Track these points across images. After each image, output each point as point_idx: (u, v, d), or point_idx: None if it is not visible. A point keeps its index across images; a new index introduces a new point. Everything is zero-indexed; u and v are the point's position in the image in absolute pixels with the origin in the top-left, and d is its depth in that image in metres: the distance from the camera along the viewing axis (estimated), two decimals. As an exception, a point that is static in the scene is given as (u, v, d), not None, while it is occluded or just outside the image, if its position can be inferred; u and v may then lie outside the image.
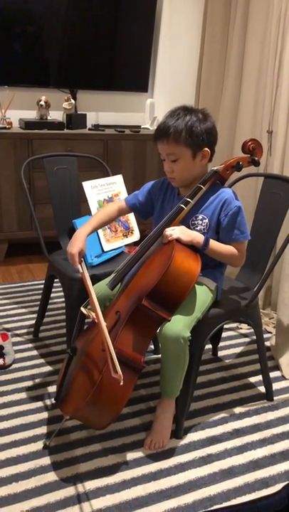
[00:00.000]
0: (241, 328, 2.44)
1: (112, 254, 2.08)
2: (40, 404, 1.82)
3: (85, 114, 3.40)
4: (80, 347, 1.60)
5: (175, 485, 1.49)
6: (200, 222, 1.59)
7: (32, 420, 1.73)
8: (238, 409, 1.83)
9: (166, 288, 1.44)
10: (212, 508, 1.41)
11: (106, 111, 3.60)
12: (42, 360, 2.10)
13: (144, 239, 1.63)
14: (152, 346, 2.18)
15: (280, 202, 1.78)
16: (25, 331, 2.34)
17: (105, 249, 2.07)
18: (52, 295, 2.28)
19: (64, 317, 2.36)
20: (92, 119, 3.51)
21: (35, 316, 2.33)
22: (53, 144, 3.06)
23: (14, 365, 2.05)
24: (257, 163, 1.68)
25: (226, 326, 2.28)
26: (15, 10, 3.09)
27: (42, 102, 3.18)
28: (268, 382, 1.89)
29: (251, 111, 2.62)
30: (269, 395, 1.90)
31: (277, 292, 2.34)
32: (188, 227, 1.58)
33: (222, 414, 1.80)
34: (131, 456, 1.59)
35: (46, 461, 1.55)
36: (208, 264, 1.60)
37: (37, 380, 1.96)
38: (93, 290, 1.50)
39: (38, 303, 2.33)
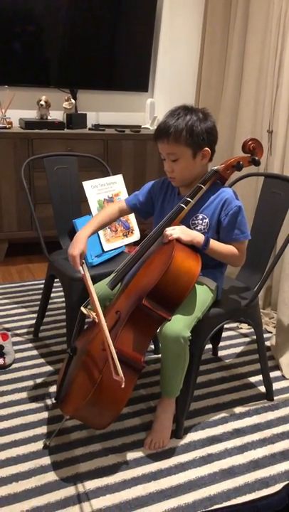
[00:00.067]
0: (241, 328, 2.44)
1: (112, 254, 2.08)
2: (40, 404, 1.82)
3: (85, 114, 3.40)
4: (80, 347, 1.60)
5: (175, 485, 1.48)
6: (200, 221, 1.59)
7: (32, 420, 1.73)
8: (238, 409, 1.83)
9: (167, 288, 1.44)
10: (212, 508, 1.41)
11: (106, 111, 3.60)
12: (42, 360, 2.10)
13: (145, 239, 1.63)
14: (152, 346, 2.18)
15: (281, 202, 1.78)
16: (25, 330, 2.34)
17: (105, 249, 2.07)
18: (52, 295, 2.28)
19: (64, 317, 2.36)
20: (92, 118, 3.51)
21: (35, 315, 2.33)
22: (53, 144, 3.06)
23: (14, 365, 2.05)
24: (257, 163, 1.68)
25: (226, 326, 2.28)
26: (15, 10, 3.09)
27: (42, 102, 3.18)
28: (268, 382, 1.89)
29: (251, 110, 2.62)
30: (269, 395, 1.90)
31: (278, 292, 2.34)
32: (189, 227, 1.58)
33: (222, 414, 1.80)
34: (131, 455, 1.59)
35: (46, 460, 1.55)
36: (209, 263, 1.60)
37: (37, 380, 1.96)
38: (95, 292, 1.50)
39: (38, 303, 2.33)
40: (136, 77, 3.58)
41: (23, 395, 1.86)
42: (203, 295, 1.59)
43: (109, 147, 3.22)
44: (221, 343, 2.23)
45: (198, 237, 1.53)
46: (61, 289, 2.03)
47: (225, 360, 2.17)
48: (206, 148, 1.55)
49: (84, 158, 2.28)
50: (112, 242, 2.10)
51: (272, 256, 1.84)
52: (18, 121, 3.21)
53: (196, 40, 3.08)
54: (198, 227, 1.59)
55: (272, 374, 1.99)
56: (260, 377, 1.94)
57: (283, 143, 2.39)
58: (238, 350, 2.25)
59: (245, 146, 1.67)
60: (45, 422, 1.72)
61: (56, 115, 3.31)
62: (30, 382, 1.94)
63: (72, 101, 3.33)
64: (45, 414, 1.76)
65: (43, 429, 1.68)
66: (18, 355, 2.12)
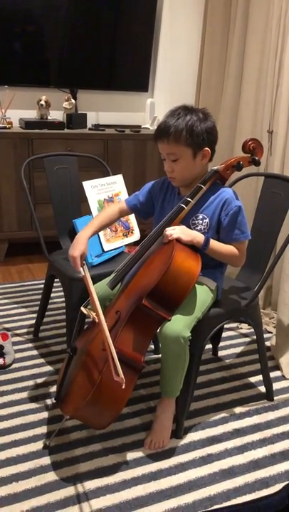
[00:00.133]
0: (241, 328, 2.44)
1: (112, 254, 2.08)
2: (40, 404, 1.81)
3: (86, 114, 3.40)
4: (80, 347, 1.60)
5: (175, 485, 1.48)
6: (200, 221, 1.59)
7: (32, 420, 1.73)
8: (238, 409, 1.83)
9: (167, 288, 1.44)
10: (212, 508, 1.41)
11: (106, 111, 3.60)
12: (42, 360, 2.10)
13: (145, 239, 1.63)
14: (152, 346, 2.18)
15: (281, 202, 1.78)
16: (25, 330, 2.34)
17: (105, 249, 2.07)
18: (52, 295, 2.28)
19: (64, 317, 2.36)
20: (92, 118, 3.51)
21: (35, 315, 2.33)
22: (53, 144, 3.06)
23: (14, 365, 2.05)
24: (257, 163, 1.68)
25: (226, 326, 2.27)
26: (15, 10, 3.09)
27: (42, 102, 3.18)
28: (268, 382, 1.89)
29: (251, 110, 2.61)
30: (269, 395, 1.90)
31: (278, 292, 2.34)
32: (189, 227, 1.58)
33: (222, 414, 1.80)
34: (131, 455, 1.59)
35: (46, 460, 1.55)
36: (209, 263, 1.60)
37: (37, 380, 1.96)
38: (95, 294, 1.50)
39: (38, 303, 2.33)
40: (136, 77, 3.58)
41: (23, 395, 1.86)
42: (203, 295, 1.59)
43: (109, 147, 3.22)
44: (221, 343, 2.23)
45: (198, 237, 1.53)
46: (61, 289, 2.03)
47: (225, 360, 2.17)
48: (206, 148, 1.55)
49: (84, 158, 2.28)
50: (112, 242, 2.10)
51: (272, 256, 1.84)
52: (18, 121, 3.21)
53: (196, 40, 3.08)
54: (199, 227, 1.59)
55: (273, 374, 1.99)
56: (260, 378, 1.94)
57: (283, 143, 2.39)
58: (238, 350, 2.25)
59: (245, 146, 1.67)
60: (45, 422, 1.72)
61: (56, 115, 3.31)
62: (30, 382, 1.94)
63: (72, 101, 3.33)
64: (45, 414, 1.76)
65: (43, 429, 1.68)
66: (18, 355, 2.12)
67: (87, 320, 1.89)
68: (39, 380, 1.96)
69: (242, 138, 2.08)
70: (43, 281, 2.25)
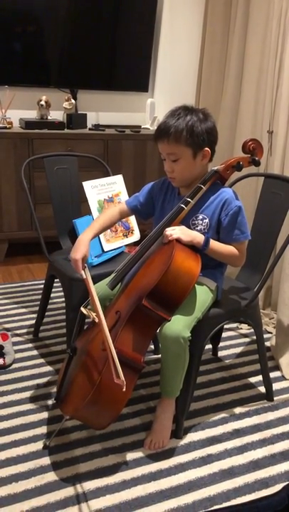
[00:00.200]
0: (241, 329, 2.44)
1: (112, 254, 2.08)
2: (40, 404, 1.82)
3: (86, 114, 3.40)
4: (80, 347, 1.60)
5: (175, 485, 1.48)
6: (200, 222, 1.59)
7: (32, 420, 1.73)
8: (238, 410, 1.83)
9: (167, 288, 1.44)
10: (212, 509, 1.41)
11: (106, 111, 3.60)
12: (42, 360, 2.10)
13: (145, 239, 1.63)
14: (152, 346, 2.18)
15: (281, 202, 1.78)
16: (25, 330, 2.34)
17: (105, 249, 2.07)
18: (52, 295, 2.28)
19: (64, 317, 2.36)
20: (92, 118, 3.52)
21: (35, 316, 2.33)
22: (54, 144, 3.06)
23: (14, 365, 2.05)
24: (257, 163, 1.68)
25: (226, 326, 2.27)
26: (15, 10, 3.09)
27: (42, 102, 3.18)
28: (268, 382, 1.89)
29: (252, 111, 2.61)
30: (269, 395, 1.90)
31: (278, 292, 2.34)
32: (189, 227, 1.58)
33: (222, 415, 1.80)
34: (131, 456, 1.59)
35: (46, 461, 1.55)
36: (209, 264, 1.60)
37: (37, 380, 1.96)
38: (97, 297, 1.50)
39: (38, 303, 2.33)
40: (136, 77, 3.58)
41: (23, 395, 1.86)
42: (203, 295, 1.59)
43: (110, 147, 3.22)
44: (221, 344, 2.23)
45: (198, 237, 1.53)
46: (61, 289, 2.03)
47: (225, 360, 2.17)
48: (207, 149, 1.55)
49: (84, 158, 2.28)
50: (112, 243, 2.10)
51: (272, 256, 1.84)
52: (18, 121, 3.21)
53: (196, 40, 3.08)
54: (199, 228, 1.59)
55: (272, 374, 1.99)
56: (260, 378, 1.94)
57: (283, 143, 2.39)
58: (238, 350, 2.25)
59: (245, 146, 1.67)
60: (45, 422, 1.72)
61: (56, 115, 3.31)
62: (30, 383, 1.94)
63: (73, 101, 3.33)
64: (45, 415, 1.76)
65: (42, 430, 1.68)
66: (18, 355, 2.12)
67: (87, 320, 1.90)
68: (39, 381, 1.96)
69: (242, 138, 2.08)
70: (43, 281, 2.25)
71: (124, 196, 2.16)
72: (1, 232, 3.11)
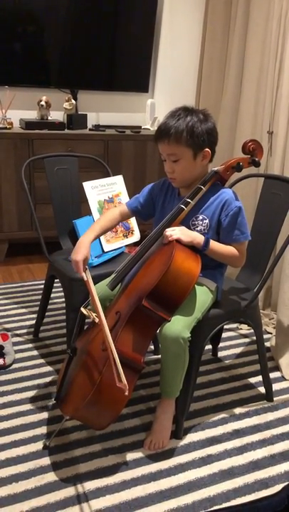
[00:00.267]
0: (241, 329, 2.44)
1: (113, 255, 2.08)
2: (40, 404, 1.82)
3: (86, 115, 3.40)
4: (80, 347, 1.60)
5: (175, 485, 1.49)
6: (200, 222, 1.59)
7: (32, 420, 1.73)
8: (237, 410, 1.83)
9: (167, 288, 1.44)
10: (212, 509, 1.41)
11: (107, 111, 3.60)
12: (42, 361, 2.10)
13: (145, 239, 1.63)
14: (152, 347, 2.18)
15: (281, 202, 1.78)
16: (25, 331, 2.34)
17: (106, 250, 2.07)
18: (52, 295, 2.29)
19: (64, 317, 2.36)
20: (92, 119, 3.52)
21: (35, 316, 2.33)
22: (54, 144, 3.06)
23: (14, 365, 2.05)
24: (257, 164, 1.68)
25: (226, 327, 2.27)
26: (16, 10, 3.09)
27: (42, 102, 3.18)
28: (267, 382, 1.89)
29: (252, 111, 2.62)
30: (269, 396, 1.90)
31: (278, 293, 2.34)
32: (189, 228, 1.58)
33: (222, 415, 1.80)
34: (131, 456, 1.59)
35: (46, 461, 1.55)
36: (209, 264, 1.60)
37: (37, 380, 1.96)
38: (98, 299, 1.50)
39: (38, 303, 2.33)
40: (136, 77, 3.58)
41: (23, 395, 1.86)
42: (203, 296, 1.60)
43: (110, 148, 3.22)
44: (221, 344, 2.24)
45: (198, 237, 1.53)
46: (61, 289, 2.03)
47: (225, 360, 2.17)
48: (207, 149, 1.55)
49: (84, 158, 2.28)
50: (112, 243, 2.10)
51: (272, 257, 1.84)
52: (18, 122, 3.21)
53: (196, 40, 3.09)
54: (199, 228, 1.59)
55: (272, 375, 1.99)
56: (259, 378, 1.94)
57: (283, 144, 2.39)
58: (237, 351, 2.25)
59: (245, 147, 1.67)
60: (45, 422, 1.72)
61: (57, 115, 3.31)
62: (30, 383, 1.94)
63: (73, 101, 3.33)
64: (45, 415, 1.76)
65: (42, 430, 1.68)
66: (18, 355, 2.12)
67: (87, 320, 1.90)
68: (39, 381, 1.96)
69: (242, 139, 2.08)
70: (43, 281, 2.25)
71: (124, 197, 2.16)
72: (2, 232, 3.11)
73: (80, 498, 1.43)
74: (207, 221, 1.59)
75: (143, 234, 2.00)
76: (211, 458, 1.60)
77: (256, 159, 1.67)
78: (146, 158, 3.33)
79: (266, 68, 2.48)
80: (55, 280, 2.13)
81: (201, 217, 1.60)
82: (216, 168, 1.62)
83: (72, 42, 3.34)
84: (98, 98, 3.55)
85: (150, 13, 3.43)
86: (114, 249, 2.10)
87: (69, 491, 1.45)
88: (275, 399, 1.90)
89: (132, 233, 2.18)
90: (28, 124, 3.08)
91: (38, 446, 1.61)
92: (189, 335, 1.48)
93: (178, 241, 1.49)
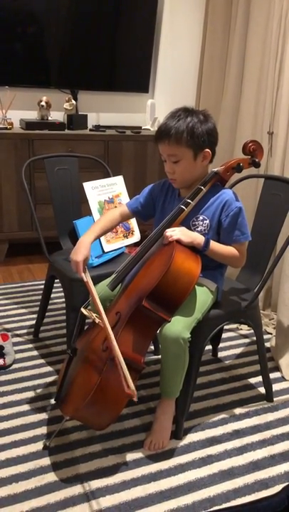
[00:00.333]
0: (241, 329, 2.44)
1: (113, 255, 2.09)
2: (40, 404, 1.82)
3: (86, 115, 3.40)
4: (81, 347, 1.60)
5: (175, 486, 1.49)
6: (201, 223, 1.60)
7: (32, 421, 1.73)
8: (237, 410, 1.83)
9: (167, 289, 1.44)
10: (212, 509, 1.41)
11: (107, 111, 3.60)
12: (42, 361, 2.10)
13: (145, 240, 1.63)
14: (152, 347, 2.18)
15: (281, 203, 1.78)
16: (25, 331, 2.34)
17: (106, 250, 2.07)
18: (52, 295, 2.29)
19: (64, 317, 2.36)
20: (93, 119, 3.52)
21: (35, 316, 2.33)
22: (54, 145, 3.06)
23: (14, 366, 2.05)
24: (257, 165, 1.68)
25: (226, 327, 2.28)
26: (16, 10, 3.09)
27: (43, 103, 3.19)
28: (267, 383, 1.89)
29: (252, 112, 2.62)
30: (269, 396, 1.90)
31: (278, 293, 2.34)
32: (189, 228, 1.58)
33: (222, 415, 1.81)
34: (131, 456, 1.59)
35: (46, 461, 1.55)
36: (209, 265, 1.60)
37: (37, 381, 1.96)
38: (98, 299, 1.50)
39: (39, 303, 2.33)
40: (136, 78, 3.58)
41: (23, 395, 1.86)
42: (203, 296, 1.60)
43: (110, 148, 3.22)
44: (221, 344, 2.24)
45: (198, 238, 1.53)
46: (61, 289, 2.03)
47: (225, 361, 2.17)
48: (207, 150, 1.55)
49: (84, 159, 2.28)
50: (113, 243, 2.10)
51: (272, 257, 1.85)
52: (18, 122, 3.21)
53: (196, 41, 3.09)
54: (199, 229, 1.59)
55: (272, 375, 1.99)
56: (259, 379, 1.94)
57: (283, 144, 2.39)
58: (237, 351, 2.25)
59: (246, 147, 1.67)
60: (45, 422, 1.72)
61: (57, 116, 3.32)
62: (31, 383, 1.94)
63: (73, 102, 3.33)
64: (45, 415, 1.76)
65: (43, 430, 1.69)
66: (18, 355, 2.12)
67: (87, 321, 1.90)
68: (39, 381, 1.96)
69: (242, 139, 2.08)
70: (44, 281, 2.25)
71: (124, 197, 2.16)
72: (2, 232, 3.11)
73: (80, 499, 1.43)
74: (207, 222, 1.59)
75: (143, 234, 2.00)
76: (211, 458, 1.60)
77: (256, 160, 1.67)
78: (147, 159, 3.33)
79: (266, 68, 2.48)
80: (56, 280, 2.13)
81: (201, 218, 1.60)
82: (216, 169, 1.63)
83: (73, 42, 3.35)
84: (98, 98, 3.55)
85: (150, 13, 3.43)
86: (115, 250, 2.10)
87: (69, 492, 1.45)
88: (275, 399, 1.90)
89: (132, 234, 2.18)
90: (28, 125, 3.08)
91: (38, 446, 1.61)
92: (189, 335, 1.48)
93: (178, 241, 1.49)
